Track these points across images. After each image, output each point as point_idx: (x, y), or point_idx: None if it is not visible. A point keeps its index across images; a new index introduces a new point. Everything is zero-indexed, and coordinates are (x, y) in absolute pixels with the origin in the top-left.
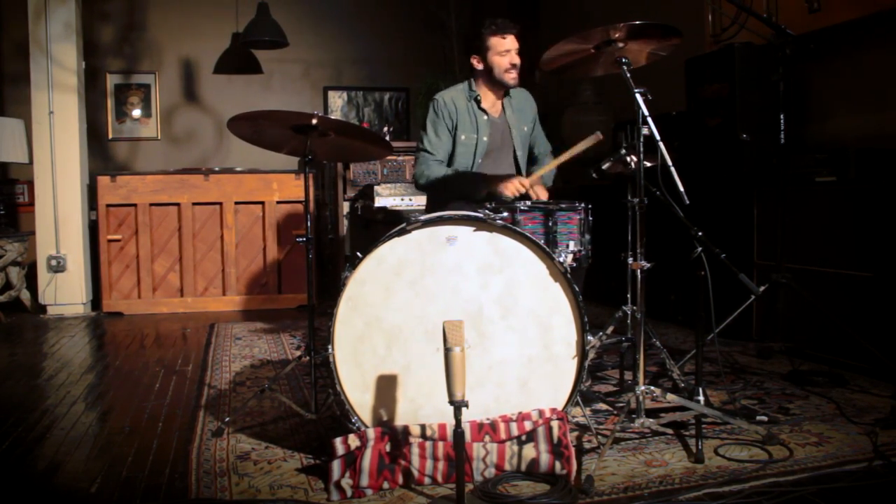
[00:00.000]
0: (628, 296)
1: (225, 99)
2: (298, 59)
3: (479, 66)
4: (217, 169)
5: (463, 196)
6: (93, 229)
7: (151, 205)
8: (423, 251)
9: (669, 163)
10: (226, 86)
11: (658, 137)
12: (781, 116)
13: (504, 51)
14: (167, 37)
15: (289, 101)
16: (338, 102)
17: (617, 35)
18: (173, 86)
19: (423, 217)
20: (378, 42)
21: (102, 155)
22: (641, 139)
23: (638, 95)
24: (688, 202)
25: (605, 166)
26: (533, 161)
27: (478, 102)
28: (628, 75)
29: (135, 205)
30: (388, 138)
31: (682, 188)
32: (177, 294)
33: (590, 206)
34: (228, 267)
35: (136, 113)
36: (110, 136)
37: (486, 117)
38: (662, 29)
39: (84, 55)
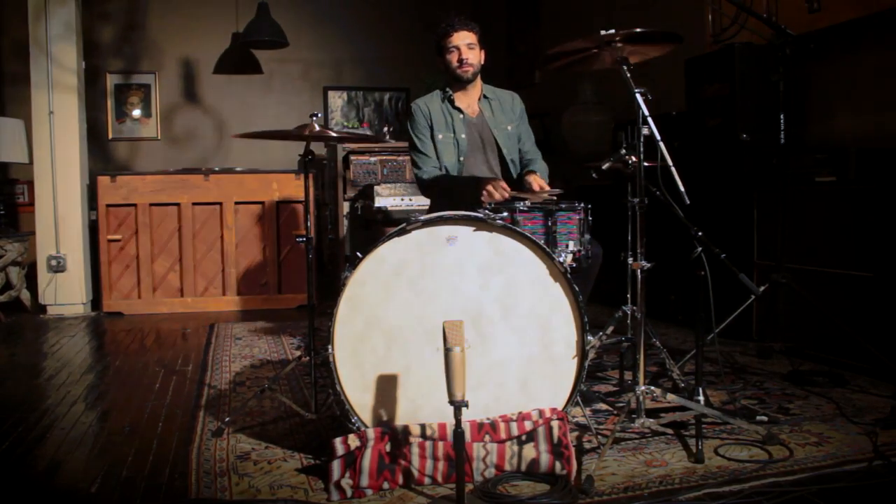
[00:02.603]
0: (628, 296)
1: (225, 99)
2: (298, 59)
3: (442, 68)
4: (217, 169)
5: (457, 196)
6: (93, 229)
7: (151, 205)
8: (422, 251)
9: (670, 163)
10: (226, 86)
11: (658, 137)
12: (781, 116)
13: (452, 47)
14: (167, 37)
15: (289, 101)
16: (338, 102)
17: (617, 39)
18: (173, 86)
19: (423, 217)
20: (378, 42)
21: (102, 155)
22: (641, 139)
23: (638, 95)
24: (688, 202)
25: (605, 166)
26: (521, 160)
27: (451, 102)
28: (628, 75)
29: (135, 205)
30: (387, 138)
31: (682, 188)
32: (177, 294)
33: (590, 206)
34: (228, 267)
35: (136, 113)
36: (110, 136)
37: (461, 116)
38: (662, 36)
39: (84, 55)
